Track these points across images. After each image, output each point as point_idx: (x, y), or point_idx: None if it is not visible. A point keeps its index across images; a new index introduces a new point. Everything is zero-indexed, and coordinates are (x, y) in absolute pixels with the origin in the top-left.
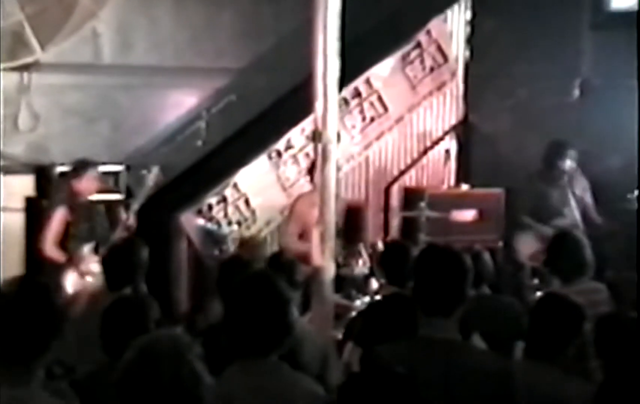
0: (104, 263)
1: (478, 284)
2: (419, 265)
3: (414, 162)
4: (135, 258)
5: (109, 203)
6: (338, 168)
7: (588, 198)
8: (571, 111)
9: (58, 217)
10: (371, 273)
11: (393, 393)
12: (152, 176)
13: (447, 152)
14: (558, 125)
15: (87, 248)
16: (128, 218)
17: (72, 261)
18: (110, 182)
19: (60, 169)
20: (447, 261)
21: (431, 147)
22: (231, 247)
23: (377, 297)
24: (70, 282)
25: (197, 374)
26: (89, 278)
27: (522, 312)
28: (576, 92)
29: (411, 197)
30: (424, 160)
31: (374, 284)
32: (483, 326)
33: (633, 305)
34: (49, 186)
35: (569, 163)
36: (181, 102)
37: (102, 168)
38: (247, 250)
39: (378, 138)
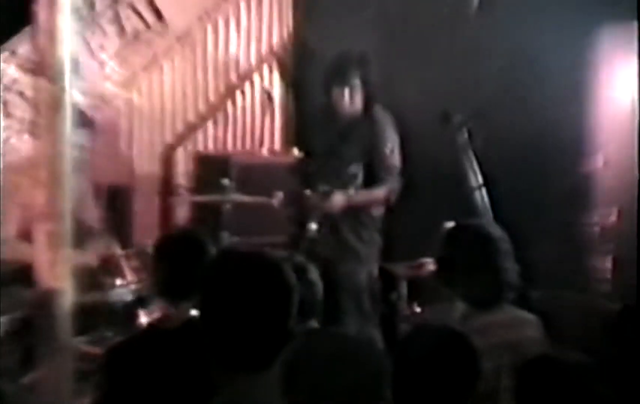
0: None
1: (305, 314)
2: (210, 290)
3: (212, 111)
4: None
5: None
6: (84, 121)
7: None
8: (466, 27)
9: None
10: (140, 296)
11: None
12: None
13: (268, 94)
14: (447, 46)
15: None
16: None
17: None
18: None
19: None
20: (258, 282)
21: (240, 85)
22: None
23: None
24: None
25: None
26: None
27: (383, 359)
28: (475, 3)
29: (208, 169)
30: (229, 106)
31: (144, 314)
32: (315, 382)
33: (574, 341)
34: None
35: (345, 100)
36: None
37: None
38: None
39: (148, 68)
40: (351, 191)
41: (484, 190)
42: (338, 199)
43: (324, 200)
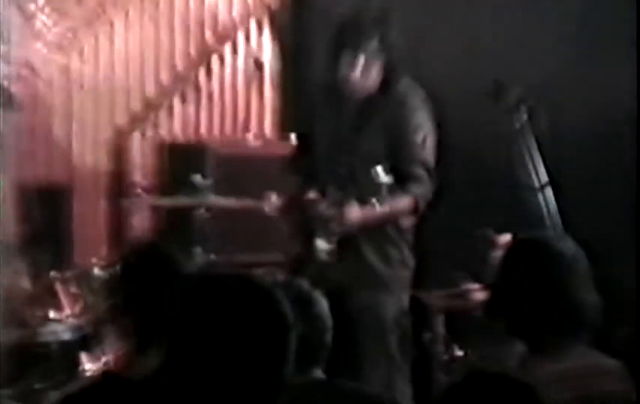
0: None
1: (308, 360)
2: (180, 326)
3: (180, 83)
4: None
5: None
6: (6, 98)
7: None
8: None
9: None
10: (83, 334)
11: None
12: None
13: (256, 61)
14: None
15: None
16: None
17: None
18: None
19: None
20: (243, 315)
21: (218, 48)
22: None
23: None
24: None
25: None
26: None
27: None
28: None
29: (175, 162)
30: (203, 77)
31: (88, 359)
32: None
33: None
34: None
35: (359, 72)
36: None
37: None
38: None
39: (93, 24)
40: (373, 201)
41: (549, 192)
42: (353, 213)
43: (334, 211)
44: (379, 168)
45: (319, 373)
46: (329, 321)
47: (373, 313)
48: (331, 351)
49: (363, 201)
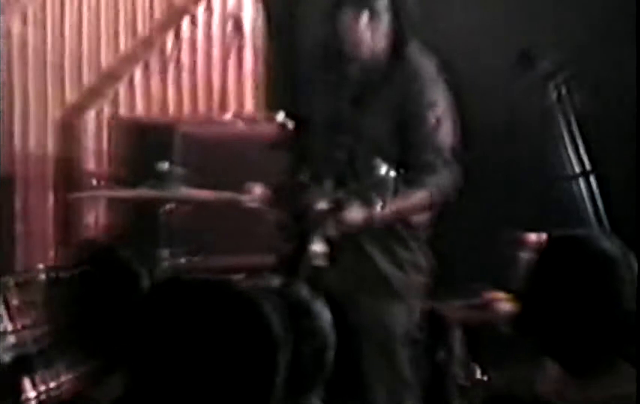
0: None
1: (304, 383)
2: (145, 343)
3: (143, 49)
4: None
5: None
6: None
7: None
8: None
9: None
10: (26, 354)
11: None
12: None
13: (236, 22)
14: None
15: None
16: None
17: None
18: None
19: None
20: (221, 330)
21: (189, 7)
22: None
23: None
24: None
25: None
26: None
27: None
28: None
29: (137, 145)
30: (170, 43)
31: (33, 384)
32: None
33: None
34: None
35: (362, 32)
36: None
37: None
38: None
39: None
40: (378, 200)
41: (591, 180)
42: (355, 216)
43: (332, 213)
44: (380, 161)
45: (316, 402)
46: (331, 337)
47: (379, 324)
48: (332, 374)
49: (365, 198)
